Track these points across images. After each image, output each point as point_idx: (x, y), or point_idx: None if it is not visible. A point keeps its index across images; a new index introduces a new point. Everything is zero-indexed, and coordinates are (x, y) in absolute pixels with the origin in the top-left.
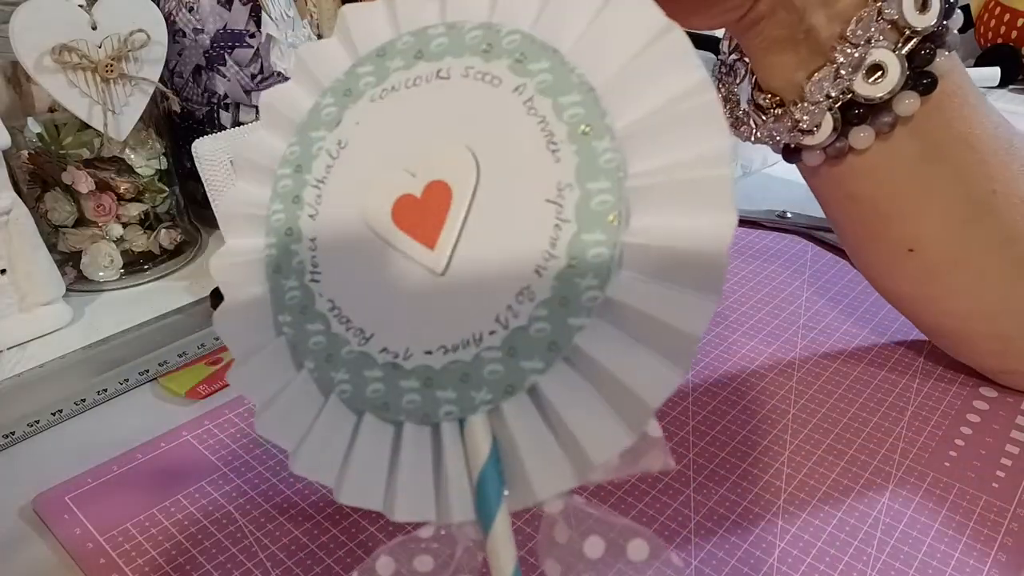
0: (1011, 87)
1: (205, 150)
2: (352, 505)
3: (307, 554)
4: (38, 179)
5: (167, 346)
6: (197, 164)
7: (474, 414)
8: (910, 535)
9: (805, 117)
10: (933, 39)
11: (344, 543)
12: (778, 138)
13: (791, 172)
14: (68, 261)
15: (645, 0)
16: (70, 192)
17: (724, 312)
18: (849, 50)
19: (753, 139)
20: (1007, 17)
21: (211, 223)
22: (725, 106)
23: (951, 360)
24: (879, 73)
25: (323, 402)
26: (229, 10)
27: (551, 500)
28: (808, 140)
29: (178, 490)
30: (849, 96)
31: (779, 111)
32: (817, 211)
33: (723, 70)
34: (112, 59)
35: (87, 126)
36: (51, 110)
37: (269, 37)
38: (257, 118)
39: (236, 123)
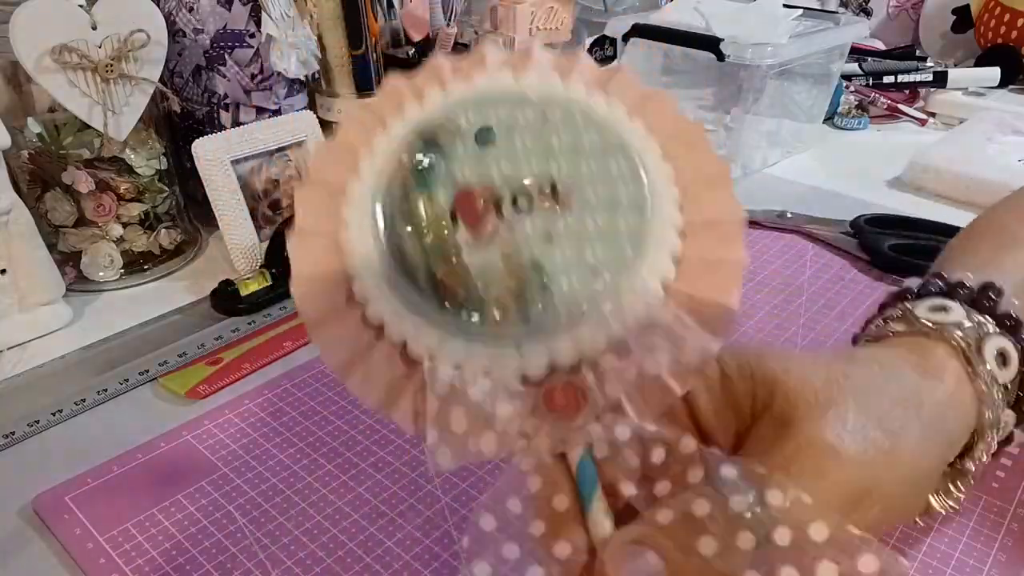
0: (1011, 87)
1: (205, 150)
2: None
3: (307, 554)
4: (38, 179)
5: (167, 346)
6: (197, 164)
7: None
8: (910, 535)
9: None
10: None
11: (344, 543)
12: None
13: (791, 172)
14: (68, 261)
15: None
16: (70, 192)
17: None
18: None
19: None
20: (1007, 17)
21: (211, 223)
22: None
23: None
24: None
25: None
26: (229, 10)
27: None
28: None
29: (178, 490)
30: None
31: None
32: (817, 211)
33: None
34: (112, 59)
35: (87, 126)
36: (51, 110)
37: (269, 37)
38: (257, 118)
39: (236, 123)
